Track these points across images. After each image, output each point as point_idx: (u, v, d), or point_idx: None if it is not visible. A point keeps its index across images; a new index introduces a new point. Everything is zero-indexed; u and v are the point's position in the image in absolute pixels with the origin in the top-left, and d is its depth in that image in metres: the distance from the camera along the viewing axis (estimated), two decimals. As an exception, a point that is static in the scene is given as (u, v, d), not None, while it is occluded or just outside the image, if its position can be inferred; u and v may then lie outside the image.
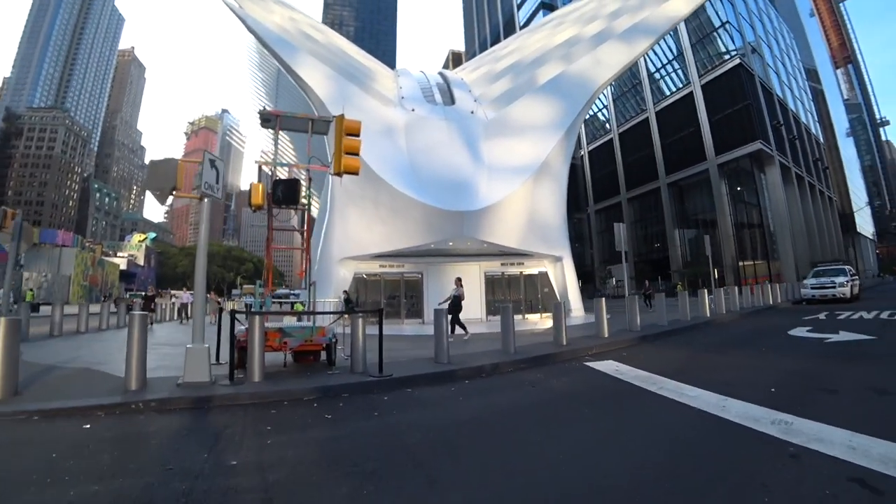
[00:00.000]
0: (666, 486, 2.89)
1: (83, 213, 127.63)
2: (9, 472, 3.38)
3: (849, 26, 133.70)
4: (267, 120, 7.38)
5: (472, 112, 20.74)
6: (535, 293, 20.85)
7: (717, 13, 46.71)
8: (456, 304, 11.95)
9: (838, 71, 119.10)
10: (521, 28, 65.92)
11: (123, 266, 68.38)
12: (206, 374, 5.71)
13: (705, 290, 14.84)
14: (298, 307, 22.74)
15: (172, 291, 58.21)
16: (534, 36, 31.56)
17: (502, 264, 20.16)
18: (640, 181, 54.22)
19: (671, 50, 51.92)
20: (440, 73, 28.97)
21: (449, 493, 2.87)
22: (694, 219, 49.91)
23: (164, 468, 3.33)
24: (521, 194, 17.79)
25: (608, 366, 7.23)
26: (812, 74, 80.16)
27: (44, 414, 4.74)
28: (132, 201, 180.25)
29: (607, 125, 62.05)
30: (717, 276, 43.65)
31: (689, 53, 48.53)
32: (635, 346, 9.54)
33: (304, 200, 6.95)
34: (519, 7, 76.32)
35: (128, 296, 42.01)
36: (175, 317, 22.26)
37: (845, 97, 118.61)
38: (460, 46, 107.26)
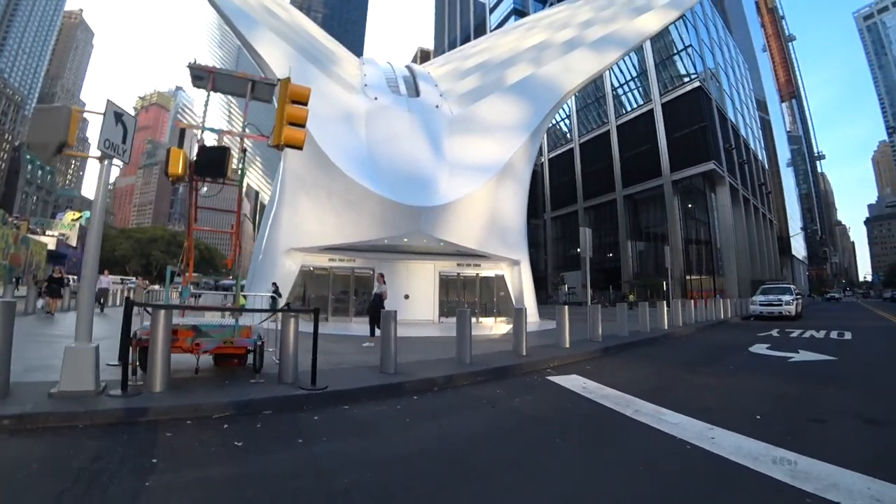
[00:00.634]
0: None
1: (11, 185, 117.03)
2: None
3: (795, 64, 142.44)
4: (199, 77, 6.23)
5: (437, 106, 19.97)
6: (491, 296, 20.27)
7: (680, 37, 48.13)
8: (377, 303, 10.86)
9: (783, 105, 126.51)
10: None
11: (52, 246, 62.77)
12: (91, 381, 4.53)
13: (664, 303, 14.61)
14: (242, 301, 21.17)
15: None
16: (504, 38, 31.17)
17: (458, 265, 19.53)
18: (598, 192, 55.12)
19: (635, 67, 53.14)
20: (407, 67, 28.02)
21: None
22: (647, 232, 51.15)
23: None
24: (482, 194, 17.16)
25: (574, 381, 6.53)
26: (761, 105, 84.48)
27: None
28: (69, 177, 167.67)
29: (569, 135, 62.85)
30: (665, 289, 44.97)
31: (652, 72, 49.74)
32: (598, 358, 8.94)
33: (235, 173, 5.83)
34: (491, 11, 76.36)
35: (36, 278, 37.76)
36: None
37: (788, 129, 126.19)
38: (430, 45, 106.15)
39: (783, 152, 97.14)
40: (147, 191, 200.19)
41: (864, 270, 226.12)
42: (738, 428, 4.43)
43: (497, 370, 6.82)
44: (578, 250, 56.25)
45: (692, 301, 18.22)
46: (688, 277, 45.40)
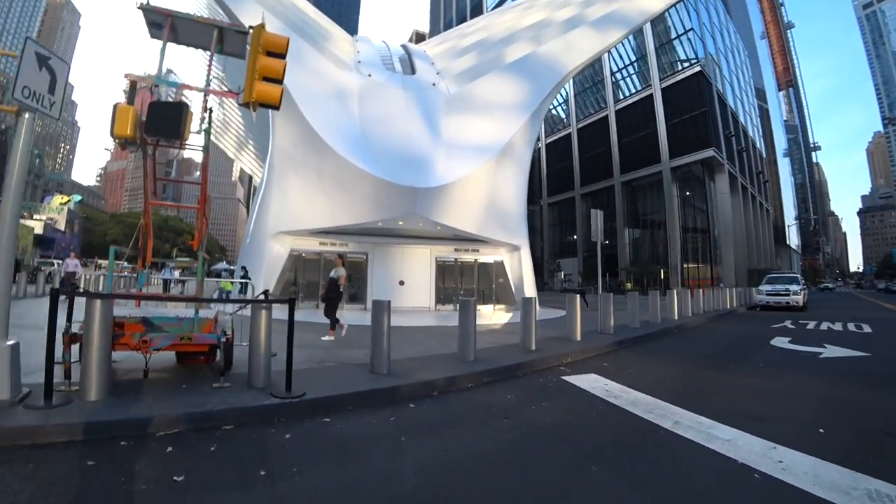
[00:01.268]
0: None
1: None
2: None
3: (793, 52, 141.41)
4: (156, 25, 5.22)
5: (434, 84, 18.90)
6: (490, 283, 19.47)
7: (681, 20, 46.96)
8: (332, 289, 8.88)
9: (780, 93, 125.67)
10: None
11: (39, 230, 61.23)
12: (6, 387, 3.61)
13: (673, 292, 13.83)
14: (227, 286, 20.14)
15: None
16: (502, 16, 29.92)
17: (456, 250, 18.68)
18: (595, 178, 54.30)
19: (634, 52, 52.00)
20: (403, 45, 26.80)
21: None
22: (644, 219, 50.46)
23: None
24: (481, 175, 16.26)
25: (593, 382, 5.70)
26: (760, 93, 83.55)
27: None
28: (59, 160, 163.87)
29: (566, 120, 61.78)
30: (663, 277, 44.44)
31: (652, 56, 48.61)
32: (614, 353, 8.11)
33: (194, 138, 4.86)
34: (488, -9, 74.65)
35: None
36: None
37: (784, 118, 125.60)
38: (425, 28, 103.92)
39: (780, 141, 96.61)
40: (138, 175, 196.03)
41: (856, 261, 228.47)
42: (802, 445, 3.64)
43: (505, 369, 5.96)
44: (575, 237, 55.90)
45: (699, 290, 17.50)
46: (685, 266, 44.86)
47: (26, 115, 3.87)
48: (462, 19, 77.78)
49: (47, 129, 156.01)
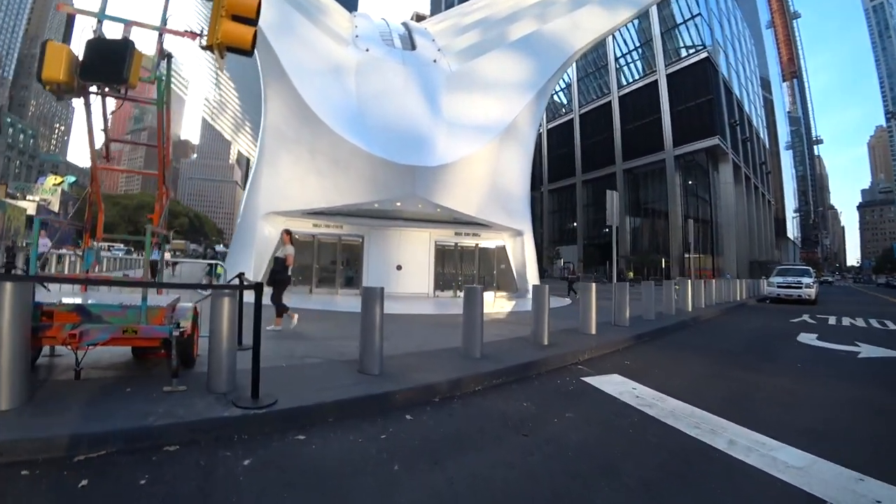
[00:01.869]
0: None
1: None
2: None
3: (798, 43, 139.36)
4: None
5: (435, 61, 17.95)
6: (491, 269, 18.74)
7: (688, 5, 45.64)
8: (279, 270, 7.55)
9: (784, 84, 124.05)
10: (491, -7, 62.57)
11: (32, 211, 60.04)
12: None
13: (688, 281, 13.09)
14: (219, 271, 19.22)
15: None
16: (506, -6, 28.75)
17: (456, 234, 17.96)
18: (597, 165, 53.39)
19: (639, 37, 50.73)
20: (403, 23, 25.69)
21: None
22: (646, 207, 49.69)
23: None
24: (483, 156, 15.41)
25: (619, 386, 4.92)
26: (764, 83, 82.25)
27: None
28: (54, 141, 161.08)
29: (568, 105, 60.59)
30: (664, 266, 43.76)
31: (658, 41, 47.39)
32: (632, 348, 7.34)
33: (146, 82, 3.99)
34: (490, -28, 72.63)
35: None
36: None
37: (787, 110, 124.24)
38: (426, 10, 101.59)
39: (783, 133, 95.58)
40: (135, 157, 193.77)
41: (853, 255, 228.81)
42: (890, 474, 2.88)
43: (517, 368, 5.16)
44: (575, 224, 55.09)
45: (712, 281, 16.80)
46: (686, 255, 44.18)
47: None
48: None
49: (41, 108, 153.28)
